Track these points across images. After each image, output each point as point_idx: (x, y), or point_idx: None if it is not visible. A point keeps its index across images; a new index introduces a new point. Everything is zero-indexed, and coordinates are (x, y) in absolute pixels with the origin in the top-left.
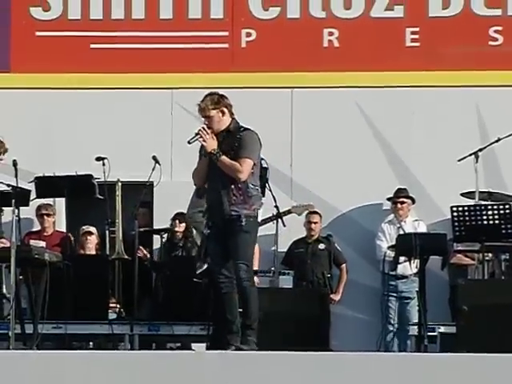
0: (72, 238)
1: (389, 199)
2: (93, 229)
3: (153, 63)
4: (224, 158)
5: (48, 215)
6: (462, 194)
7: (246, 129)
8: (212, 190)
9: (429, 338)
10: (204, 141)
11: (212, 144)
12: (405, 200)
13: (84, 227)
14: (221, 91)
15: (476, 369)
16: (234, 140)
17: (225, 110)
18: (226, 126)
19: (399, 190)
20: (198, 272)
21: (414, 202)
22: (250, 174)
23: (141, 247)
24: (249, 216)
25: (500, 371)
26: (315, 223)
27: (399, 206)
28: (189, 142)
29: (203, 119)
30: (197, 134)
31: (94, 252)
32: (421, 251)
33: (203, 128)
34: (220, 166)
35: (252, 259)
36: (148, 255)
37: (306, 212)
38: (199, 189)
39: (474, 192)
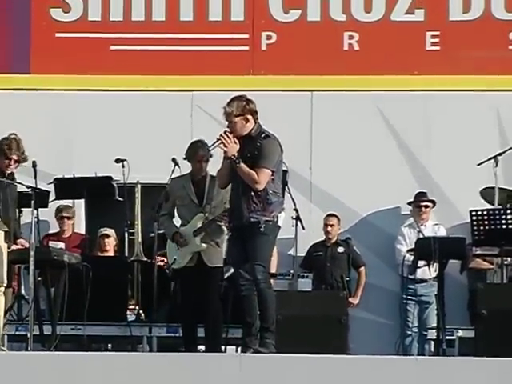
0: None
1: (410, 203)
2: (111, 231)
3: (173, 65)
4: (243, 165)
5: (68, 218)
6: (483, 190)
7: (266, 136)
8: (233, 194)
9: (447, 342)
10: (225, 146)
11: (233, 149)
12: (428, 204)
13: (102, 229)
14: (240, 94)
15: (494, 373)
16: (254, 147)
17: (249, 117)
18: (248, 131)
19: (421, 193)
20: (225, 276)
21: (434, 205)
22: (270, 181)
23: (162, 258)
24: (268, 221)
25: None
26: (331, 226)
27: (423, 209)
28: (208, 150)
29: (226, 123)
30: (217, 140)
31: (112, 254)
32: (440, 255)
33: (225, 132)
34: (239, 172)
35: (269, 261)
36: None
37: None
38: (166, 192)
39: (493, 188)
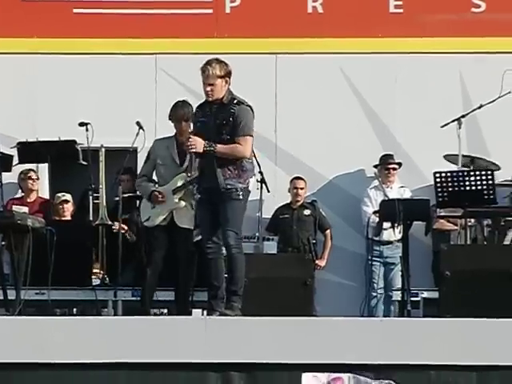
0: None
1: (376, 165)
2: (68, 196)
3: (137, 28)
4: (220, 147)
5: (30, 178)
6: (446, 156)
7: (239, 102)
8: (204, 159)
9: (412, 303)
10: (193, 148)
11: (200, 144)
12: (395, 166)
13: (59, 194)
14: (205, 57)
15: (458, 333)
16: (229, 114)
17: (228, 79)
18: (221, 97)
19: (388, 155)
20: (195, 240)
21: (400, 167)
22: None
23: (122, 225)
24: (243, 188)
25: (482, 336)
26: (301, 189)
27: (391, 172)
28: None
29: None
30: (189, 153)
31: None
32: (404, 217)
33: (187, 138)
34: (220, 156)
35: (241, 227)
36: (126, 228)
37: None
38: (148, 153)
39: (457, 155)
